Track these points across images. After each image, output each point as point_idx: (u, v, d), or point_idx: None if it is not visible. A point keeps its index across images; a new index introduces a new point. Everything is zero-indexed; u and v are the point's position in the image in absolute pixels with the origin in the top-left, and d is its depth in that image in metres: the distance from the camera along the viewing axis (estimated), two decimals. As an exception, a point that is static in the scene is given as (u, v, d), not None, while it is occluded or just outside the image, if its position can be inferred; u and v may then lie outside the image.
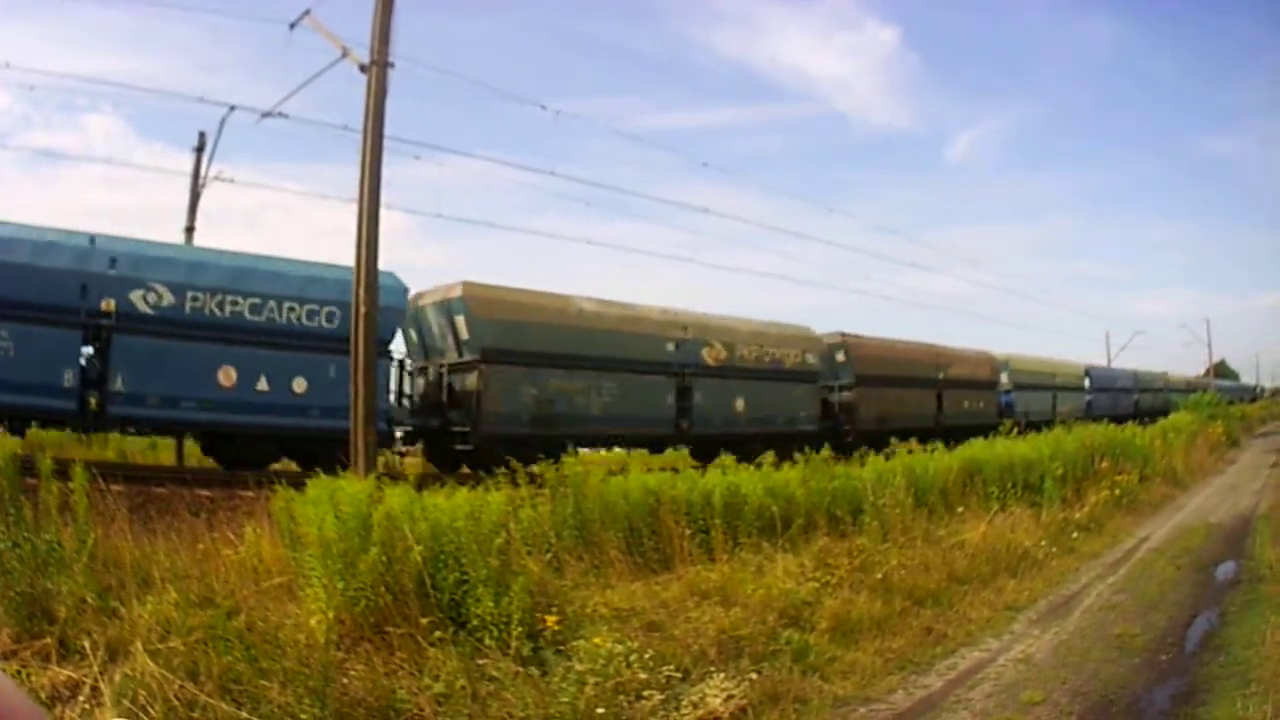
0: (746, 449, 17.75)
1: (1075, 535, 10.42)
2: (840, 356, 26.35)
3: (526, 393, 17.56)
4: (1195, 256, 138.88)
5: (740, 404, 21.77)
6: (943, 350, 31.21)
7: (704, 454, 20.33)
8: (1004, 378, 34.87)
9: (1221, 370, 79.79)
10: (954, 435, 25.00)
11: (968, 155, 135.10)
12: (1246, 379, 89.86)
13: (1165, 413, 38.51)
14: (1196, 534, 11.18)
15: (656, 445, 20.82)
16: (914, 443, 23.72)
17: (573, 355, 18.41)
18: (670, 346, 20.48)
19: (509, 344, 17.30)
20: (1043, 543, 9.57)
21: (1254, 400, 68.87)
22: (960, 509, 10.27)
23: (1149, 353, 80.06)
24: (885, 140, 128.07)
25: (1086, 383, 42.74)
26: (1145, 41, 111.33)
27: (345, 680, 4.27)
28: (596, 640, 4.65)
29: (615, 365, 18.94)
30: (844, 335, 26.63)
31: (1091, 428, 18.86)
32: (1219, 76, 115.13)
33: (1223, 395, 40.88)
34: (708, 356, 21.24)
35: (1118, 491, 13.09)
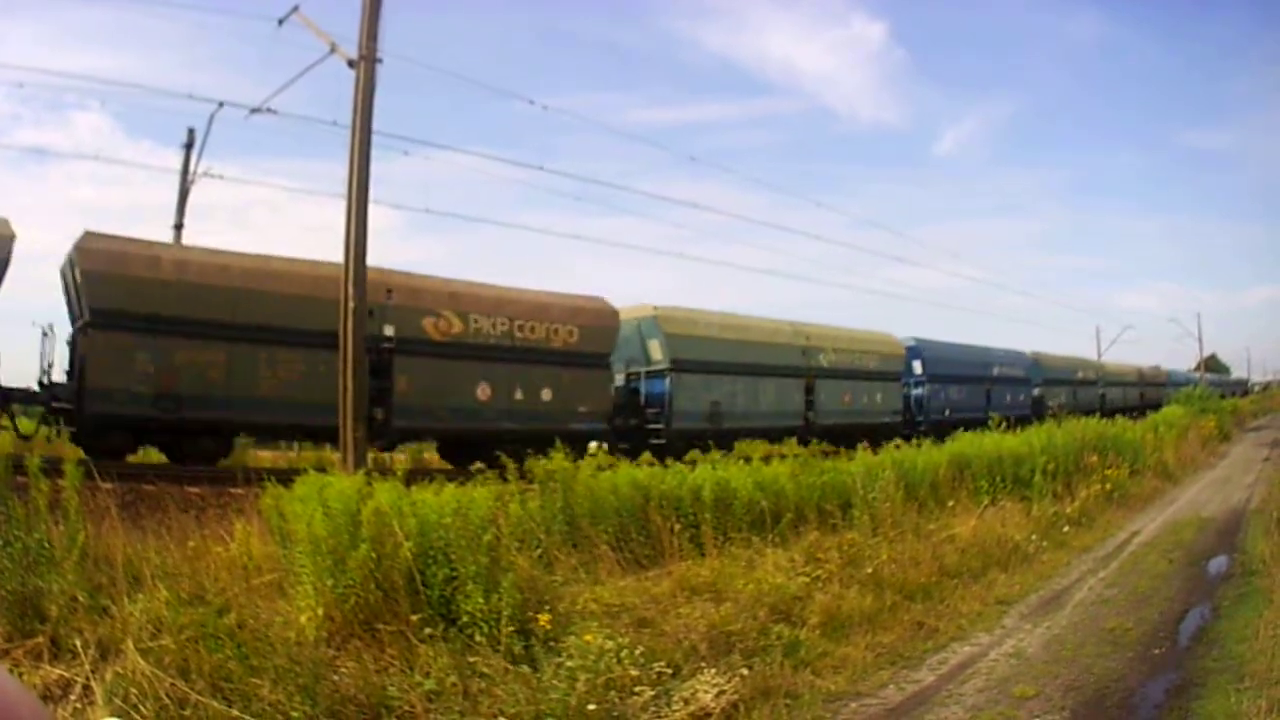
0: None
1: (1066, 529, 10.45)
2: (72, 274, 13.60)
3: None
4: (1186, 250, 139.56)
5: None
6: (402, 280, 15.71)
7: None
8: (654, 348, 19.89)
9: (1213, 364, 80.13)
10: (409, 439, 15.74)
11: (955, 150, 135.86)
12: (1238, 373, 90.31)
13: (1101, 415, 24.80)
14: (1188, 528, 11.22)
15: None
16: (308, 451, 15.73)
17: None
18: None
19: None
20: (1033, 537, 9.61)
21: (1245, 394, 69.16)
22: (950, 503, 10.31)
23: (1140, 347, 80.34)
24: (873, 135, 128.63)
25: (918, 366, 28.05)
26: (1133, 34, 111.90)
27: (336, 678, 4.27)
28: (587, 636, 4.64)
29: None
30: (91, 235, 13.35)
31: (1078, 423, 16.65)
32: (1208, 69, 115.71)
33: (1213, 389, 40.20)
34: None
35: (1108, 485, 13.14)
